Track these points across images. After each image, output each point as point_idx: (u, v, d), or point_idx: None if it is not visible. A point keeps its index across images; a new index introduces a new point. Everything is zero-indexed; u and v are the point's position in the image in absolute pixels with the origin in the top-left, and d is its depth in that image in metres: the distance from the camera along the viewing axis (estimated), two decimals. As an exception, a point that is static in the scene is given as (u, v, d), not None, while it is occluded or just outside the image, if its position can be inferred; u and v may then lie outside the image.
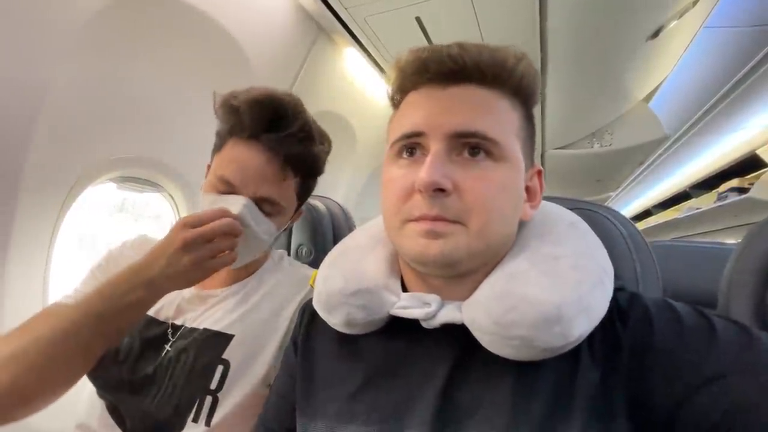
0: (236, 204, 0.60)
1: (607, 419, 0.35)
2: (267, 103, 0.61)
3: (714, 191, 3.72)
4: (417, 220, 0.39)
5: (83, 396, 0.67)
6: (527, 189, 0.43)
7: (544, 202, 0.49)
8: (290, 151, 0.62)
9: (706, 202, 3.88)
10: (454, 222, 0.38)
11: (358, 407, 0.43)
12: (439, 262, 0.39)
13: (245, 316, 0.66)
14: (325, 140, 0.70)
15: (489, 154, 0.39)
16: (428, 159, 0.38)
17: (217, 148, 0.65)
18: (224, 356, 0.62)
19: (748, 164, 3.24)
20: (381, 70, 1.56)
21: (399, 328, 0.44)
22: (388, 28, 1.26)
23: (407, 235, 0.40)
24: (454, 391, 0.40)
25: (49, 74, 0.80)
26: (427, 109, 0.40)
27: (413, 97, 0.43)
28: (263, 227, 0.64)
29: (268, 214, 0.64)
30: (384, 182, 0.44)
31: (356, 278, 0.45)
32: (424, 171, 0.37)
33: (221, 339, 0.64)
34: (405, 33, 1.27)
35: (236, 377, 0.61)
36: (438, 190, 0.37)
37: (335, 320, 0.46)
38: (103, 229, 1.18)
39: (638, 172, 4.05)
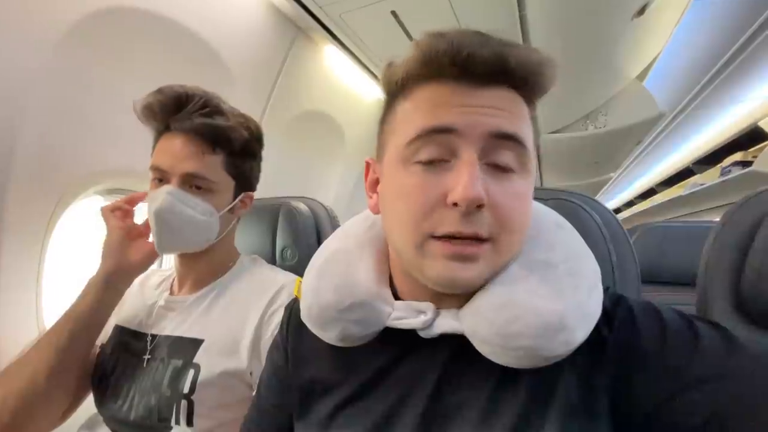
0: (162, 193, 0.64)
1: (589, 421, 0.35)
2: (169, 92, 0.66)
3: (717, 166, 3.66)
4: (443, 238, 0.35)
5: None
6: None
7: None
8: (199, 125, 0.66)
9: (710, 177, 3.82)
10: (486, 240, 0.35)
11: (351, 414, 0.43)
12: (468, 287, 0.37)
13: (213, 321, 0.69)
14: (249, 122, 0.74)
15: (518, 161, 0.37)
16: (466, 168, 0.34)
17: (151, 153, 0.70)
18: (195, 360, 0.65)
19: (750, 137, 3.18)
20: (363, 66, 1.55)
21: (391, 335, 0.43)
22: (365, 23, 1.25)
23: (431, 255, 0.36)
24: (442, 396, 0.40)
25: (27, 90, 0.81)
26: (460, 105, 0.35)
27: (441, 89, 0.37)
28: (199, 208, 0.67)
29: (199, 190, 0.68)
30: (393, 189, 0.39)
31: (348, 290, 0.43)
32: (466, 183, 0.33)
33: (191, 344, 0.67)
34: (382, 28, 1.26)
35: (207, 380, 0.63)
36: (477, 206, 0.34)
37: (329, 335, 0.44)
38: (91, 241, 1.19)
39: (639, 151, 3.99)
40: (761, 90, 2.67)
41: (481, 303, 0.38)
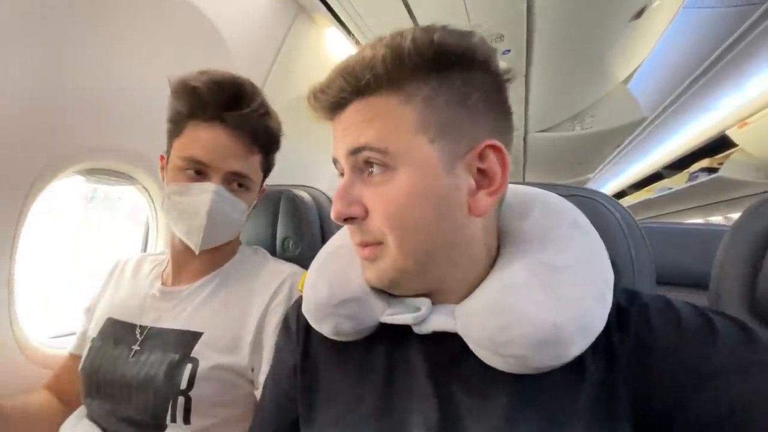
0: (206, 193, 0.62)
1: (612, 422, 0.34)
2: (227, 83, 0.62)
3: (685, 171, 3.83)
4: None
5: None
6: (481, 172, 0.38)
7: (544, 193, 0.46)
8: (254, 127, 0.64)
9: (677, 182, 4.00)
10: (378, 243, 0.39)
11: (360, 413, 0.42)
12: (378, 284, 0.41)
13: (214, 313, 0.66)
14: (276, 117, 0.71)
15: (384, 164, 0.37)
16: (337, 188, 0.39)
17: (175, 133, 0.64)
18: (193, 354, 0.61)
19: (717, 144, 3.34)
20: (364, 51, 1.49)
21: (396, 331, 0.43)
22: (370, 4, 1.20)
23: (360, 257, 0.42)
24: (454, 395, 0.39)
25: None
26: (336, 135, 0.40)
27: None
28: (236, 207, 0.66)
29: (239, 188, 0.66)
30: None
31: (343, 286, 0.43)
32: (333, 202, 0.38)
33: (189, 337, 0.63)
34: (387, 10, 1.22)
35: (206, 375, 0.60)
36: (350, 218, 0.38)
37: (324, 330, 0.45)
38: (71, 223, 1.10)
39: (614, 154, 4.13)
40: (731, 99, 2.81)
41: (475, 303, 0.37)
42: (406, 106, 0.36)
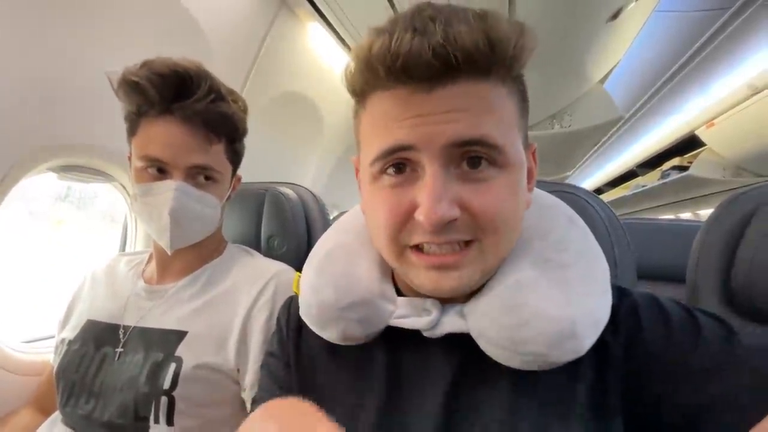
0: (169, 189, 0.59)
1: (606, 417, 0.35)
2: (168, 73, 0.59)
3: (657, 169, 3.98)
4: (420, 248, 0.34)
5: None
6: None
7: (534, 190, 0.46)
8: (205, 116, 0.61)
9: (650, 179, 4.16)
10: (469, 242, 0.34)
11: (362, 419, 0.41)
12: (455, 293, 0.35)
13: (199, 312, 0.64)
14: (237, 99, 0.68)
15: (492, 162, 0.33)
16: (429, 184, 0.32)
17: (132, 132, 0.62)
18: (177, 353, 0.60)
19: (687, 144, 3.48)
20: (347, 46, 1.48)
21: (397, 333, 0.41)
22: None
23: (412, 266, 0.36)
24: (457, 396, 0.38)
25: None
26: (413, 116, 0.32)
27: (390, 99, 0.33)
28: (205, 201, 0.64)
29: (207, 181, 0.64)
30: (369, 203, 0.38)
31: (349, 288, 0.41)
32: (429, 204, 0.31)
33: (173, 336, 0.62)
34: (370, 5, 1.20)
35: (190, 375, 0.59)
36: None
37: (329, 335, 0.42)
38: (44, 223, 1.05)
39: (590, 153, 4.25)
40: (699, 101, 2.93)
41: (489, 302, 0.37)
42: (511, 100, 0.34)
